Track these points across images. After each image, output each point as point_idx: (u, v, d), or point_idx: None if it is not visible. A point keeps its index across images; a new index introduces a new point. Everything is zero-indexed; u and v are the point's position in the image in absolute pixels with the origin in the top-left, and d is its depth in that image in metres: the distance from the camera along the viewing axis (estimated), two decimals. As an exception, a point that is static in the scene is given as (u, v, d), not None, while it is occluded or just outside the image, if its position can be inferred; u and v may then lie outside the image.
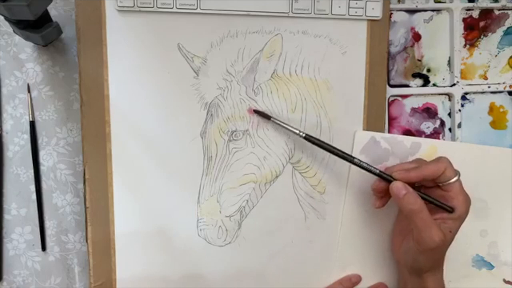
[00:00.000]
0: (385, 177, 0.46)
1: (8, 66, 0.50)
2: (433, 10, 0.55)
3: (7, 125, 0.50)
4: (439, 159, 0.46)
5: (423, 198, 0.44)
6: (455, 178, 0.45)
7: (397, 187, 0.44)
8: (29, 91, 0.50)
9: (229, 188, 0.50)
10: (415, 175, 0.45)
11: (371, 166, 0.46)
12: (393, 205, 0.48)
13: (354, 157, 0.47)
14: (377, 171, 0.46)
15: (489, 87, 0.56)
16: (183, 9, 0.47)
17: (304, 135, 0.47)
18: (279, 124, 0.48)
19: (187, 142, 0.49)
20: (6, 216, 0.50)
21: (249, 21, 0.49)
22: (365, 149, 0.51)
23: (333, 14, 0.50)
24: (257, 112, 0.49)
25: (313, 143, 0.47)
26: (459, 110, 0.55)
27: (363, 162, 0.46)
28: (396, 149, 0.52)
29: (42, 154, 0.50)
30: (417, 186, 0.47)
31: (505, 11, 0.56)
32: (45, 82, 0.50)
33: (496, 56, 0.56)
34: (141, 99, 0.48)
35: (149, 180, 0.49)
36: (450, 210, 0.45)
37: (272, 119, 0.48)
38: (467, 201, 0.46)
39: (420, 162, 0.48)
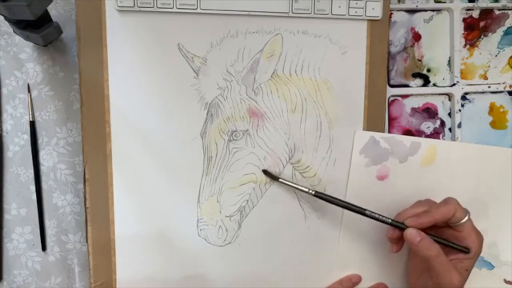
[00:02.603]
0: (398, 226, 0.46)
1: (8, 66, 0.50)
2: (433, 10, 0.55)
3: (7, 125, 0.50)
4: (447, 201, 0.46)
5: (438, 242, 0.45)
6: (465, 218, 0.45)
7: (411, 234, 0.45)
8: (29, 91, 0.50)
9: (229, 188, 0.50)
10: (426, 220, 0.45)
11: (383, 216, 0.47)
12: (393, 207, 0.48)
13: (365, 209, 0.47)
14: (389, 221, 0.46)
15: (489, 87, 0.56)
16: (183, 9, 0.47)
17: (314, 192, 0.48)
18: (287, 184, 0.49)
19: (187, 142, 0.49)
20: (6, 216, 0.50)
21: (249, 21, 0.49)
22: (364, 149, 0.51)
23: (333, 14, 0.49)
24: (266, 172, 0.50)
25: (323, 199, 0.48)
26: (459, 110, 0.55)
27: (375, 212, 0.47)
28: (395, 149, 0.52)
29: (42, 154, 0.50)
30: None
31: (505, 11, 0.56)
32: (45, 82, 0.50)
33: (496, 56, 0.56)
34: (141, 99, 0.48)
35: (149, 180, 0.49)
36: (467, 251, 0.45)
37: (280, 179, 0.49)
38: (480, 238, 0.46)
39: (429, 204, 0.48)
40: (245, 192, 0.50)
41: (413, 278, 0.50)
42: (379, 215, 0.47)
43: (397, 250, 0.48)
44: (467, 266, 0.45)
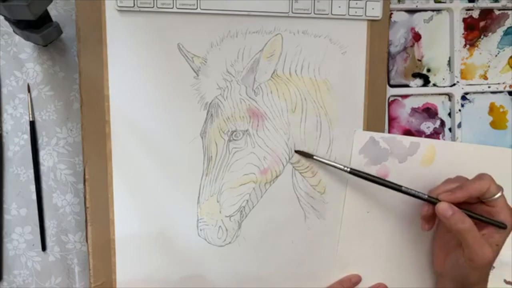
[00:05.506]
0: (432, 201, 0.46)
1: (8, 66, 0.50)
2: (433, 10, 0.55)
3: (7, 125, 0.50)
4: (482, 176, 0.46)
5: (471, 217, 0.44)
6: (499, 194, 0.45)
7: (443, 208, 0.44)
8: (29, 91, 0.50)
9: (229, 188, 0.50)
10: (461, 195, 0.45)
11: (419, 192, 0.46)
12: (393, 206, 0.48)
13: (401, 186, 0.47)
14: (426, 197, 0.46)
15: (489, 87, 0.56)
16: (183, 9, 0.47)
17: (349, 169, 0.48)
18: (322, 162, 0.49)
19: (187, 142, 0.49)
20: (6, 216, 0.50)
21: (249, 21, 0.49)
22: (364, 149, 0.51)
23: (333, 14, 0.50)
24: (299, 152, 0.50)
25: (358, 176, 0.48)
26: (459, 110, 0.55)
27: (411, 189, 0.47)
28: (395, 149, 0.52)
29: (42, 154, 0.50)
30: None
31: (505, 11, 0.56)
32: (45, 82, 0.50)
33: (496, 56, 0.56)
34: (141, 99, 0.48)
35: (149, 180, 0.49)
36: (503, 226, 0.45)
37: (314, 157, 0.49)
38: None
39: (461, 180, 0.47)
40: (245, 192, 0.50)
41: (441, 258, 0.50)
42: (415, 191, 0.47)
43: (429, 228, 0.48)
44: (498, 241, 0.45)
